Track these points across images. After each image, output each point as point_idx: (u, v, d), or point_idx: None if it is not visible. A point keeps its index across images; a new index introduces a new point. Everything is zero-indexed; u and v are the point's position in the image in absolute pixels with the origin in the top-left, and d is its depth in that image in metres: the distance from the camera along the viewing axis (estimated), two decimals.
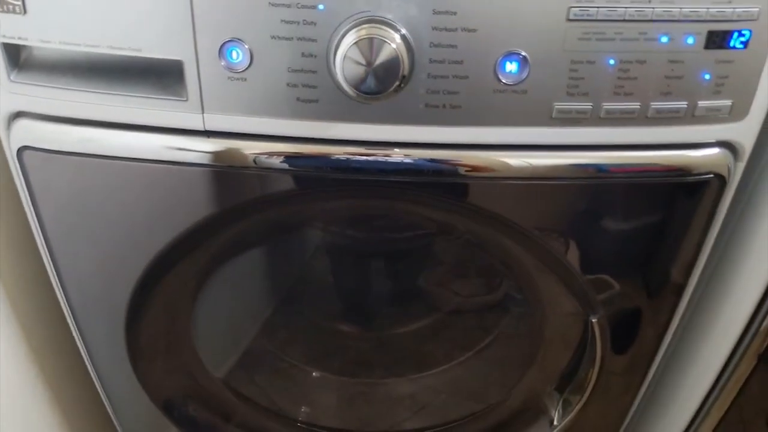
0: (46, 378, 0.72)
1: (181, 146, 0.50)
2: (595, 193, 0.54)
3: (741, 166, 0.54)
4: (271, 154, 0.51)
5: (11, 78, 0.49)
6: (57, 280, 0.59)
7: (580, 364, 0.69)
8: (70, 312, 0.62)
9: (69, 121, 0.50)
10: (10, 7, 0.46)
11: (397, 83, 0.45)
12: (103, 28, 0.46)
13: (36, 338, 0.69)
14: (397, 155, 0.50)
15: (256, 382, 0.75)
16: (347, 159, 0.50)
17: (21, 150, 0.51)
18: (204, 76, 0.47)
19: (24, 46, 0.48)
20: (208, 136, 0.50)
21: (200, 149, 0.50)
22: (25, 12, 0.46)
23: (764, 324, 0.60)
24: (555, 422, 0.72)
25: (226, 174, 0.52)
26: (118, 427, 0.74)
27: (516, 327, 0.76)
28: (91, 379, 0.69)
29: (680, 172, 0.52)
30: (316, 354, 0.79)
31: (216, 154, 0.50)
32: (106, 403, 0.71)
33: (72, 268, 0.58)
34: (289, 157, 0.51)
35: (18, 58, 0.49)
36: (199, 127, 0.49)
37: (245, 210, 0.56)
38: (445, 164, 0.51)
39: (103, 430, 0.79)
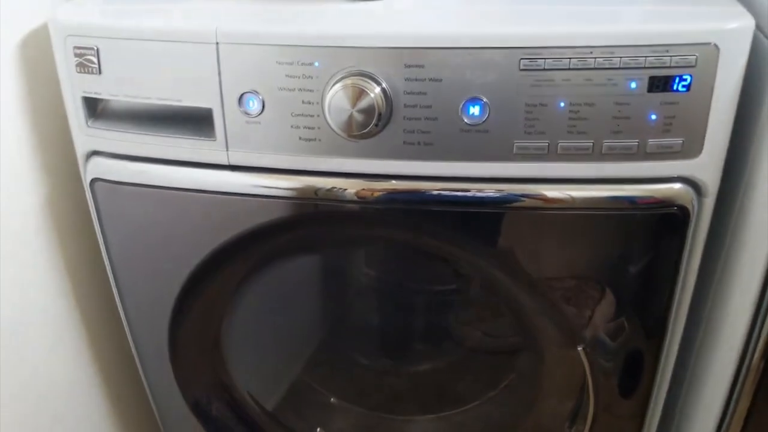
0: (109, 388, 0.84)
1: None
2: (581, 226, 0.59)
3: (707, 202, 0.57)
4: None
5: (89, 124, 0.63)
6: (115, 286, 0.72)
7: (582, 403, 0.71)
8: (124, 315, 0.73)
9: (127, 158, 0.63)
10: (90, 69, 0.60)
11: (374, 124, 0.54)
12: (155, 84, 0.59)
13: (100, 348, 0.82)
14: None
15: (277, 400, 0.82)
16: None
17: (93, 181, 0.65)
18: (228, 121, 0.59)
19: (99, 99, 0.63)
20: (232, 170, 0.61)
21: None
22: (100, 73, 0.60)
23: (754, 361, 0.60)
24: None
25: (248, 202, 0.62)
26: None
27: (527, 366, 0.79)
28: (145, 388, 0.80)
29: (652, 205, 0.57)
30: (335, 381, 0.86)
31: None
32: (154, 410, 0.82)
33: (127, 277, 0.70)
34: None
35: (95, 108, 0.64)
36: (224, 162, 0.61)
37: (269, 236, 0.66)
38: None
39: None
